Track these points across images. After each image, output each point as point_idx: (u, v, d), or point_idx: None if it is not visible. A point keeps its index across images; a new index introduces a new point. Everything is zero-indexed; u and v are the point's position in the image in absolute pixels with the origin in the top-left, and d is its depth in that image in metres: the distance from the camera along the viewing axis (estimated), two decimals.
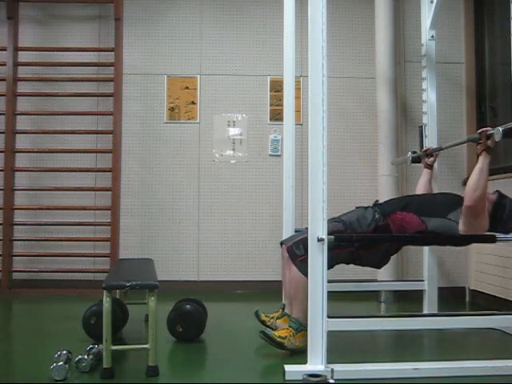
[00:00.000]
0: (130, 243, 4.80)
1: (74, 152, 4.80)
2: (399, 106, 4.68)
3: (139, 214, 4.85)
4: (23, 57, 4.86)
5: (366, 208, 2.95)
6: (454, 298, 4.39)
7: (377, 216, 2.86)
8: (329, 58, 2.44)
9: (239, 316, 3.87)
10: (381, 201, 3.15)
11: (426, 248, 3.72)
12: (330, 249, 2.43)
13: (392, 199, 3.30)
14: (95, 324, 2.84)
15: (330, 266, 2.66)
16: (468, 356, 2.81)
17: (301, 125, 4.72)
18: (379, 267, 3.02)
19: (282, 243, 3.11)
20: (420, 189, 3.47)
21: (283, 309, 3.03)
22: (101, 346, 2.40)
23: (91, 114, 4.86)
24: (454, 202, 2.87)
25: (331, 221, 2.85)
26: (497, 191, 2.83)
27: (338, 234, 2.65)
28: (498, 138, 2.53)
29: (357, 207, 3.02)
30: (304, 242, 2.66)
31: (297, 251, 2.80)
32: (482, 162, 2.63)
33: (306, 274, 2.63)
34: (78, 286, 4.64)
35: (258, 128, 4.91)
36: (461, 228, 2.73)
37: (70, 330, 3.16)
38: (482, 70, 4.74)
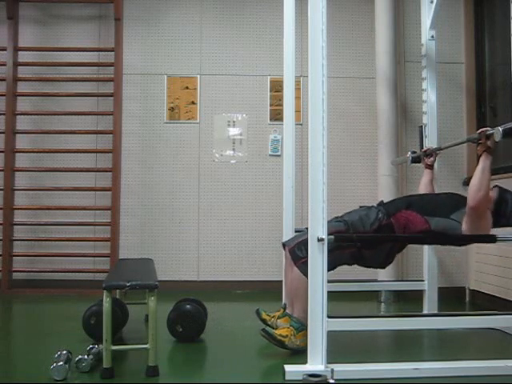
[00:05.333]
0: (130, 243, 4.80)
1: (73, 152, 4.80)
2: (399, 106, 4.68)
3: (139, 214, 4.85)
4: (23, 57, 4.86)
5: (370, 207, 2.94)
6: (454, 298, 4.39)
7: (380, 215, 2.85)
8: (329, 58, 2.44)
9: (239, 316, 3.87)
10: (385, 201, 3.13)
11: (426, 248, 3.73)
12: (331, 250, 2.42)
13: (396, 199, 3.29)
14: (95, 324, 2.84)
15: (333, 268, 2.65)
16: (468, 356, 2.81)
17: (301, 125, 4.72)
18: (384, 267, 2.98)
19: (284, 244, 3.10)
20: (422, 189, 3.46)
21: (284, 308, 3.02)
22: (101, 345, 2.40)
23: (91, 114, 4.86)
24: (457, 201, 2.86)
25: (333, 220, 2.85)
26: (496, 186, 2.82)
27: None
28: (497, 137, 2.53)
29: (360, 206, 3.01)
30: (306, 244, 2.65)
31: (299, 253, 2.79)
32: (484, 163, 2.63)
33: (307, 275, 2.63)
34: (78, 286, 4.64)
35: (258, 128, 4.91)
36: (464, 228, 2.73)
37: (70, 330, 3.16)
38: (482, 70, 4.74)
